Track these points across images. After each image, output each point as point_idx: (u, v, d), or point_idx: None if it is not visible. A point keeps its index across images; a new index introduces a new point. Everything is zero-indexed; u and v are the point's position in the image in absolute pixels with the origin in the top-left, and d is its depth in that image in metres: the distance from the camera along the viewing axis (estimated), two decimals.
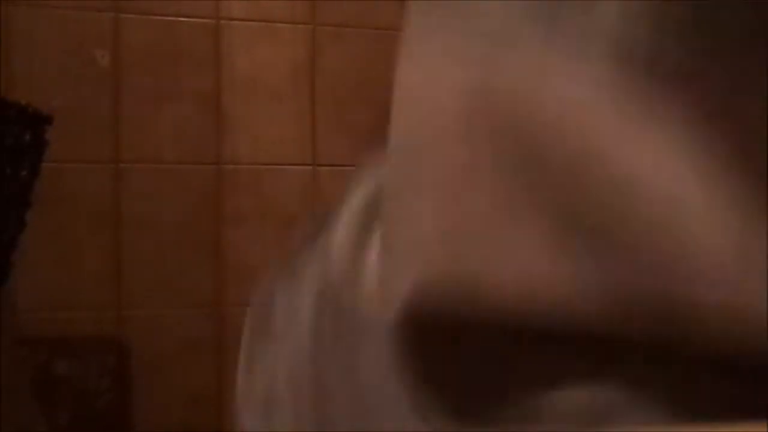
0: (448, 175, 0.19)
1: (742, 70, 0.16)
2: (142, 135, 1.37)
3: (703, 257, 0.15)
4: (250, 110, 1.42)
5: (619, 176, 0.16)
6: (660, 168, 0.16)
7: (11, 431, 0.83)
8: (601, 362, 0.16)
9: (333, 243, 0.28)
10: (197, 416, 1.39)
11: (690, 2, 0.16)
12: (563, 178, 0.17)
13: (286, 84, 1.44)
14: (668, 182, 0.16)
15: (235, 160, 1.41)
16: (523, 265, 0.17)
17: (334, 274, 0.27)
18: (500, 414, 0.18)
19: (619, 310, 0.16)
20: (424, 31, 0.24)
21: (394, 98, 0.22)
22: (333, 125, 1.47)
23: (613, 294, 0.16)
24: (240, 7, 1.41)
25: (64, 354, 1.31)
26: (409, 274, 0.19)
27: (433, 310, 0.19)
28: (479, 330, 0.18)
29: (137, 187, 1.36)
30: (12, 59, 1.30)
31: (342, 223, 0.29)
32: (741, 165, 0.15)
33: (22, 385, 0.97)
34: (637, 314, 0.16)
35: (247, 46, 1.42)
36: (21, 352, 1.16)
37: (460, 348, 0.19)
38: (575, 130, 0.17)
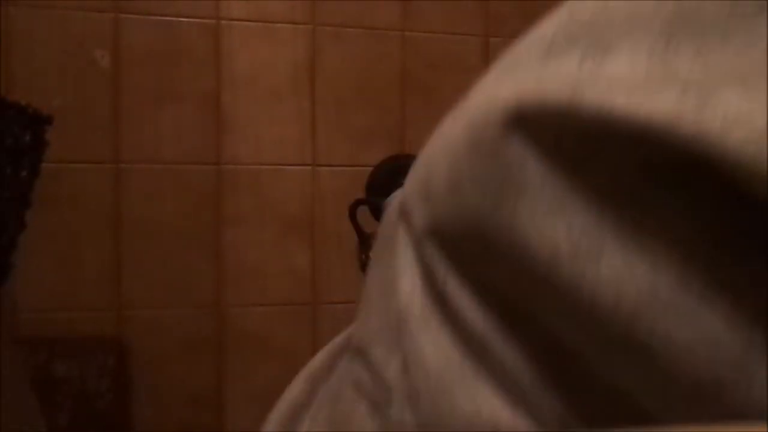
0: None
1: None
2: (142, 135, 1.37)
3: None
4: (250, 110, 1.42)
5: None
6: None
7: (11, 431, 0.83)
8: None
9: None
10: (197, 416, 1.39)
11: None
12: None
13: (286, 84, 1.44)
14: None
15: (235, 160, 1.41)
16: None
17: None
18: None
19: None
20: None
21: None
22: (333, 125, 1.47)
23: None
24: (240, 7, 1.41)
25: (64, 354, 1.31)
26: None
27: None
28: None
29: (137, 187, 1.36)
30: (12, 59, 1.30)
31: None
32: None
33: (22, 385, 0.97)
34: None
35: (247, 46, 1.42)
36: (21, 352, 1.16)
37: None
38: None
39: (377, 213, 1.33)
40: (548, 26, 0.22)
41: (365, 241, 1.29)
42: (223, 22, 1.41)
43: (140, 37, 1.36)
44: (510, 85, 0.21)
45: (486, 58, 1.55)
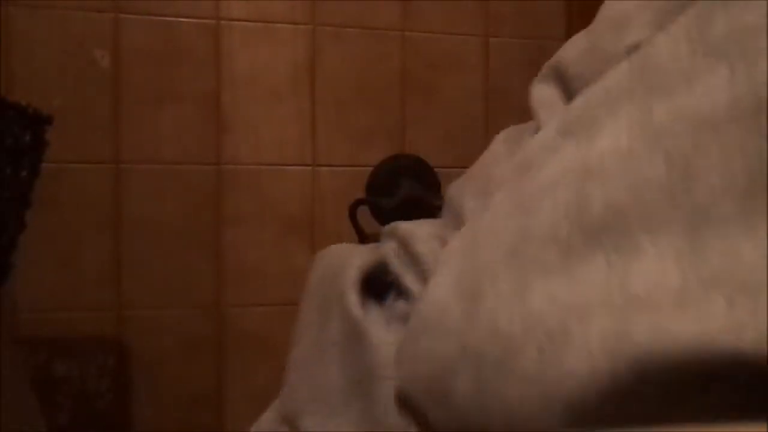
0: None
1: None
2: (142, 135, 1.37)
3: None
4: (250, 110, 1.42)
5: None
6: None
7: (11, 431, 0.83)
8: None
9: None
10: (197, 416, 1.39)
11: None
12: None
13: (286, 84, 1.44)
14: None
15: (235, 160, 1.41)
16: None
17: None
18: None
19: None
20: None
21: None
22: (333, 125, 1.47)
23: None
24: (240, 7, 1.41)
25: (64, 354, 1.31)
26: None
27: None
28: None
29: (137, 187, 1.36)
30: (12, 59, 1.30)
31: None
32: None
33: (22, 385, 0.97)
34: None
35: (247, 46, 1.42)
36: (21, 352, 1.16)
37: None
38: None
39: (377, 213, 1.32)
40: (555, 216, 0.21)
41: (365, 241, 1.29)
42: (223, 22, 1.41)
43: (140, 37, 1.36)
44: (537, 301, 0.20)
45: (486, 58, 1.55)
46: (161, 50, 1.37)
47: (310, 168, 1.45)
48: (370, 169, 1.43)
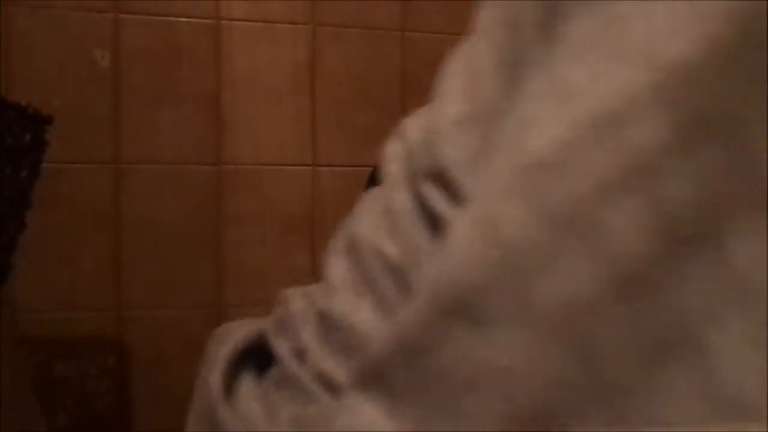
0: None
1: None
2: (142, 135, 1.37)
3: None
4: (250, 110, 1.42)
5: None
6: None
7: (11, 431, 0.83)
8: None
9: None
10: None
11: None
12: None
13: (286, 84, 1.44)
14: None
15: (235, 160, 1.41)
16: None
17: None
18: None
19: None
20: None
21: None
22: (333, 125, 1.47)
23: None
24: (240, 7, 1.41)
25: (64, 354, 1.31)
26: None
27: None
28: None
29: (137, 187, 1.36)
30: (12, 59, 1.30)
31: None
32: None
33: (22, 385, 0.97)
34: None
35: (247, 46, 1.42)
36: (21, 352, 1.16)
37: None
38: None
39: None
40: (489, 421, 0.19)
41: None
42: (223, 22, 1.41)
43: (140, 37, 1.36)
44: None
45: None
46: (161, 50, 1.37)
47: (310, 168, 1.45)
48: (370, 169, 1.43)
